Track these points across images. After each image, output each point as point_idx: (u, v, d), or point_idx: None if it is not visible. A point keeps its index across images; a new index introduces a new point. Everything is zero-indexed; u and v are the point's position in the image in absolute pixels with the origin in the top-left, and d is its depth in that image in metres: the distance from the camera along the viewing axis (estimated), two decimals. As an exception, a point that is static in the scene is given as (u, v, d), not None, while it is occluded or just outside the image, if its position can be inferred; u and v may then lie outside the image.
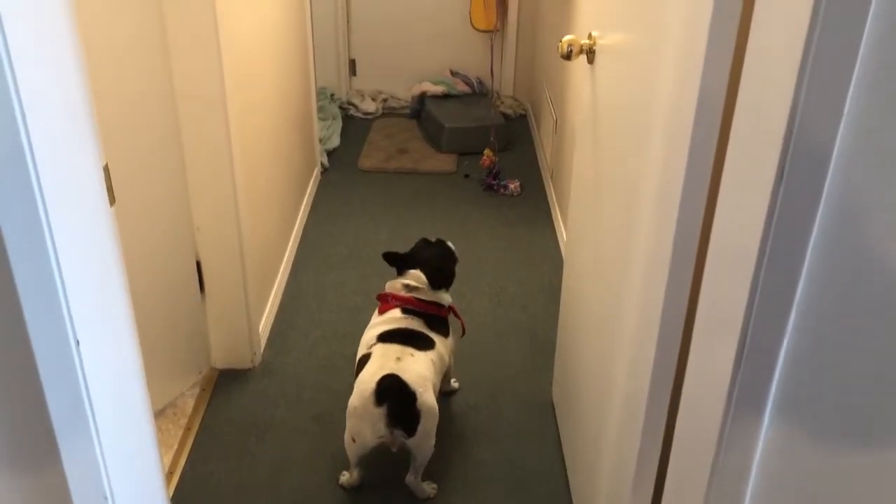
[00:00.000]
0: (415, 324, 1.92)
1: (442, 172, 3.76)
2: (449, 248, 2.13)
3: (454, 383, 2.25)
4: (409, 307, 1.95)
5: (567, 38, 1.64)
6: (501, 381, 2.34)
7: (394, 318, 1.94)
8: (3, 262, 0.84)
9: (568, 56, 1.65)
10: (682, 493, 1.11)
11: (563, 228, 3.08)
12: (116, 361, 1.02)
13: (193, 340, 2.25)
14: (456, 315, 2.05)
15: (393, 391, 1.71)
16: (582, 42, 1.65)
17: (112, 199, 1.02)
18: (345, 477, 1.92)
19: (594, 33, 1.64)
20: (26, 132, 0.81)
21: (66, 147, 0.90)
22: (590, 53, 1.65)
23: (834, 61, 0.73)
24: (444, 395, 2.20)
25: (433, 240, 2.15)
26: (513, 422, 2.18)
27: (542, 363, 2.39)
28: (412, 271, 2.00)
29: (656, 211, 1.19)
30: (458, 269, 2.15)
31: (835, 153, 0.78)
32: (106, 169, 1.00)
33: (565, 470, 2.00)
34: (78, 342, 0.90)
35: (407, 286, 1.98)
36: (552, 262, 2.97)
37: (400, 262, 2.04)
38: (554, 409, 2.20)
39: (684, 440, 1.09)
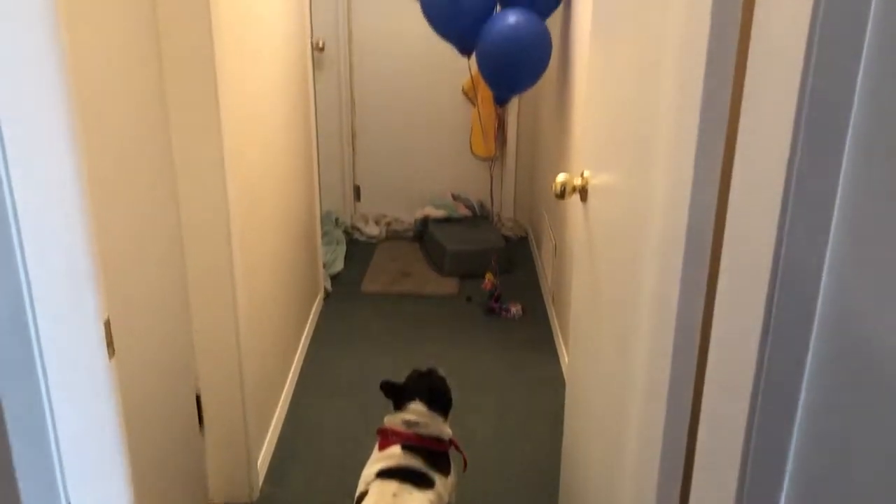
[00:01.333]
0: (415, 461, 1.88)
1: (445, 296, 3.80)
2: (441, 376, 2.11)
3: None
4: (410, 443, 1.93)
5: (560, 177, 1.70)
6: (505, 516, 2.27)
7: (393, 454, 1.90)
8: None
9: (562, 195, 1.70)
10: None
11: (565, 352, 3.07)
12: (108, 518, 1.00)
13: (191, 474, 2.21)
14: (458, 449, 2.01)
15: None
16: (575, 182, 1.71)
17: (112, 353, 1.03)
18: None
19: (586, 173, 1.71)
20: (29, 291, 0.84)
21: (67, 306, 0.92)
22: (583, 192, 1.71)
23: (818, 188, 0.76)
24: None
25: (424, 369, 2.13)
26: (518, 560, 2.10)
27: (546, 495, 2.33)
28: (411, 405, 1.98)
29: (651, 347, 1.20)
30: (460, 396, 2.13)
31: (825, 270, 0.79)
32: (107, 323, 1.02)
33: None
34: (69, 502, 0.89)
35: (406, 422, 1.96)
36: (555, 387, 2.94)
37: (397, 395, 2.02)
38: (560, 547, 2.13)
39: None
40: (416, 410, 1.96)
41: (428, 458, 1.90)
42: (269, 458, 2.49)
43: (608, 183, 1.55)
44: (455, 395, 2.09)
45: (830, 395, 0.79)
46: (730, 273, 0.92)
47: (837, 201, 0.76)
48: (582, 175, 1.71)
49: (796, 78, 0.73)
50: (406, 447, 1.91)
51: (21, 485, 0.87)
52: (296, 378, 2.97)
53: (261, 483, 2.37)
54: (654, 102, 1.20)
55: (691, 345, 1.08)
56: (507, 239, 4.34)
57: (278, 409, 2.67)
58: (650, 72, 1.23)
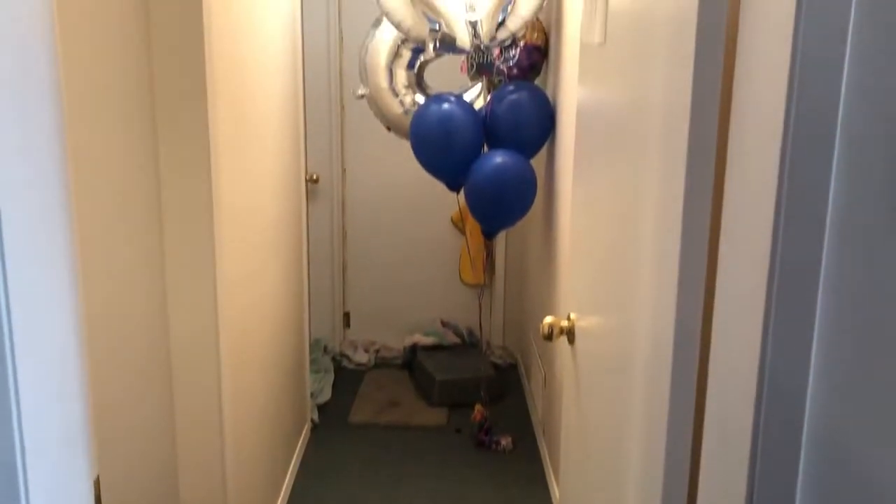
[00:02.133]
0: None
1: (433, 427, 3.75)
2: None
3: None
4: None
5: (548, 320, 1.74)
6: None
7: None
8: None
9: (549, 337, 1.74)
10: None
11: (555, 488, 3.01)
12: None
13: None
14: None
15: None
16: (562, 324, 1.75)
17: (99, 511, 1.02)
18: None
19: (573, 315, 1.75)
20: (22, 455, 0.84)
21: (60, 466, 0.92)
22: (570, 334, 1.74)
23: (797, 307, 0.78)
24: None
25: None
26: None
27: None
28: None
29: (641, 486, 1.19)
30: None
31: (810, 384, 0.81)
32: (97, 482, 1.02)
33: None
34: None
35: None
36: (547, 525, 2.87)
37: None
38: None
39: None
40: None
41: None
42: None
43: (594, 325, 1.59)
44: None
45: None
46: (716, 405, 0.94)
47: (819, 297, 0.79)
48: (569, 317, 1.75)
49: (768, 230, 0.78)
50: None
51: None
52: (280, 516, 2.88)
53: None
54: (636, 247, 1.25)
55: (681, 485, 1.08)
56: (496, 367, 4.33)
57: (261, 551, 2.58)
58: (630, 211, 1.29)
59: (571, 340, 1.75)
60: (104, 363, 1.66)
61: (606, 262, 1.50)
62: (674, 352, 1.05)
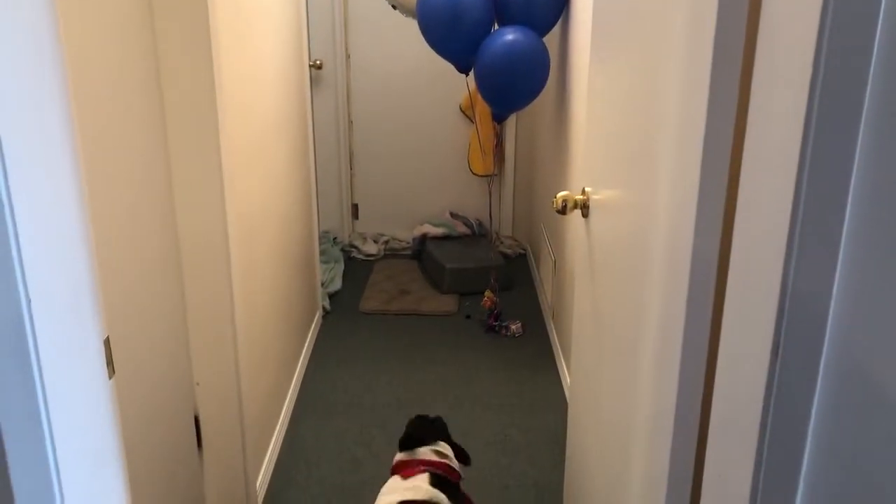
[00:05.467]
0: (441, 498, 1.72)
1: (443, 314, 3.78)
2: (444, 424, 2.01)
3: None
4: (439, 473, 1.77)
5: (561, 194, 1.69)
6: (508, 537, 2.24)
7: (419, 487, 1.73)
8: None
9: (563, 211, 1.70)
10: None
11: (566, 371, 3.05)
12: (106, 543, 0.98)
13: (189, 496, 2.18)
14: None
15: None
16: (576, 198, 1.70)
17: (112, 372, 1.01)
18: None
19: (587, 189, 1.70)
20: (28, 307, 0.82)
21: (67, 322, 0.91)
22: (584, 208, 1.70)
23: (825, 213, 0.75)
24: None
25: (432, 417, 2.02)
26: (521, 583, 2.07)
27: (549, 516, 2.30)
28: (441, 442, 1.86)
29: (657, 365, 1.18)
30: (462, 416, 2.09)
31: (832, 301, 0.78)
32: (107, 342, 1.00)
33: None
34: (67, 526, 0.87)
35: (438, 452, 1.83)
36: (557, 407, 2.92)
37: (415, 441, 1.87)
38: (564, 568, 2.10)
39: None
40: (445, 447, 1.87)
41: (452, 496, 1.77)
42: (267, 480, 2.46)
43: (610, 198, 1.54)
44: (458, 418, 2.02)
45: (841, 413, 0.77)
46: (737, 292, 0.90)
47: (847, 214, 0.75)
48: (583, 191, 1.70)
49: (804, 93, 0.72)
50: (434, 476, 1.76)
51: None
52: (294, 398, 2.94)
53: (259, 505, 2.34)
54: (658, 116, 1.19)
55: (698, 364, 1.06)
56: (505, 257, 4.33)
57: (277, 430, 2.64)
58: (653, 86, 1.23)
59: (585, 214, 1.71)
60: (112, 258, 1.63)
61: (625, 133, 1.43)
62: (695, 229, 1.01)
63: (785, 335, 0.81)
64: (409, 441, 1.86)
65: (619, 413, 1.46)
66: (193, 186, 1.95)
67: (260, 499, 2.35)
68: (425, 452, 1.84)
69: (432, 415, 2.04)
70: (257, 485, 2.32)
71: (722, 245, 1.01)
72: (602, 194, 1.61)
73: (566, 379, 3.02)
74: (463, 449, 1.93)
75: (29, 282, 0.82)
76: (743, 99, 0.92)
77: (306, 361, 3.24)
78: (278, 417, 2.69)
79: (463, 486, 1.89)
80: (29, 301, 0.81)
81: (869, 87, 0.69)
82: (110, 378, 1.01)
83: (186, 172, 1.93)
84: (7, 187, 0.79)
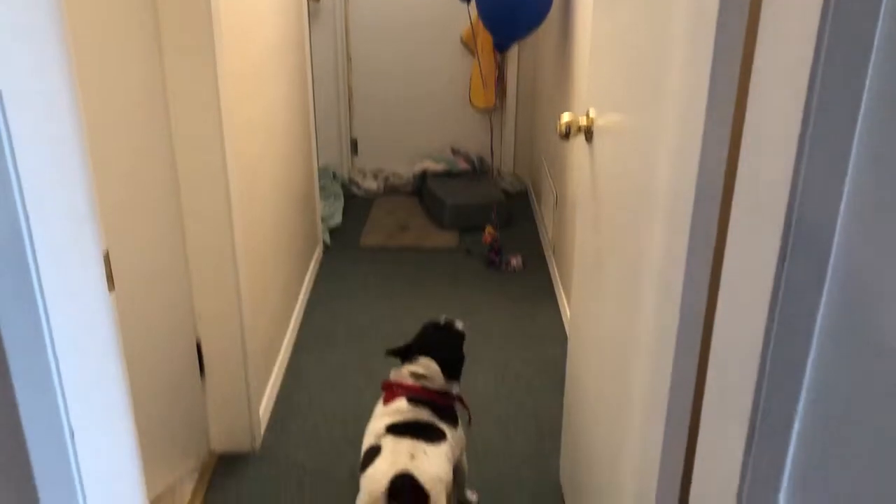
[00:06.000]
0: (423, 414, 1.83)
1: (444, 249, 3.78)
2: (460, 331, 2.04)
3: (472, 496, 2.11)
4: (416, 396, 1.86)
5: (565, 117, 1.66)
6: (507, 467, 2.28)
7: (400, 409, 1.83)
8: (-1, 352, 0.83)
9: (566, 135, 1.67)
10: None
11: (566, 305, 3.06)
12: (112, 453, 0.99)
13: (192, 423, 2.21)
14: (463, 404, 1.97)
15: (407, 492, 1.61)
16: (580, 121, 1.67)
17: (112, 286, 1.01)
18: None
19: (591, 113, 1.67)
20: (26, 219, 0.81)
21: (65, 234, 0.90)
22: (588, 133, 1.68)
23: (833, 135, 0.74)
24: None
25: (442, 321, 2.05)
26: (520, 506, 2.12)
27: (548, 446, 2.33)
28: (422, 359, 1.91)
29: (659, 290, 1.18)
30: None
31: (838, 228, 0.77)
32: (106, 256, 0.99)
33: (576, 557, 1.93)
34: (73, 433, 0.87)
35: (414, 374, 1.89)
36: (556, 339, 2.94)
37: (406, 353, 1.95)
38: (562, 495, 2.14)
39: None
40: (426, 365, 1.91)
41: (435, 411, 1.85)
42: (270, 408, 2.49)
43: (615, 123, 1.52)
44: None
45: (841, 347, 0.77)
46: (741, 222, 0.89)
47: (855, 141, 0.73)
48: (587, 115, 1.67)
49: (816, 15, 0.69)
50: (412, 400, 1.85)
51: (23, 415, 0.86)
52: (296, 330, 2.96)
53: (262, 433, 2.37)
54: (665, 39, 1.16)
55: (700, 295, 1.05)
56: (506, 193, 4.30)
57: (279, 360, 2.66)
58: (661, 6, 1.19)
59: (589, 139, 1.68)
60: (108, 186, 1.62)
61: (632, 56, 1.40)
62: (700, 159, 0.98)
63: (788, 262, 0.80)
64: (396, 352, 1.96)
65: (620, 340, 1.46)
66: (191, 116, 1.91)
67: (263, 426, 2.39)
68: (404, 376, 1.90)
69: (443, 320, 2.07)
70: (260, 412, 2.35)
71: (727, 173, 0.98)
72: (607, 118, 1.58)
73: (566, 313, 3.03)
74: (454, 362, 1.96)
75: (25, 188, 0.81)
76: (753, 15, 0.89)
77: (308, 294, 3.25)
78: (280, 348, 2.71)
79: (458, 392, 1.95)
80: (25, 207, 0.80)
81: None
82: (111, 292, 1.00)
83: (184, 102, 1.90)
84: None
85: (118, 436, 1.01)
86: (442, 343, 1.98)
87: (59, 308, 0.85)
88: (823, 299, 0.81)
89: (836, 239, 0.78)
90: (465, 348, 2.07)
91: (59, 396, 0.85)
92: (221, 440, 2.29)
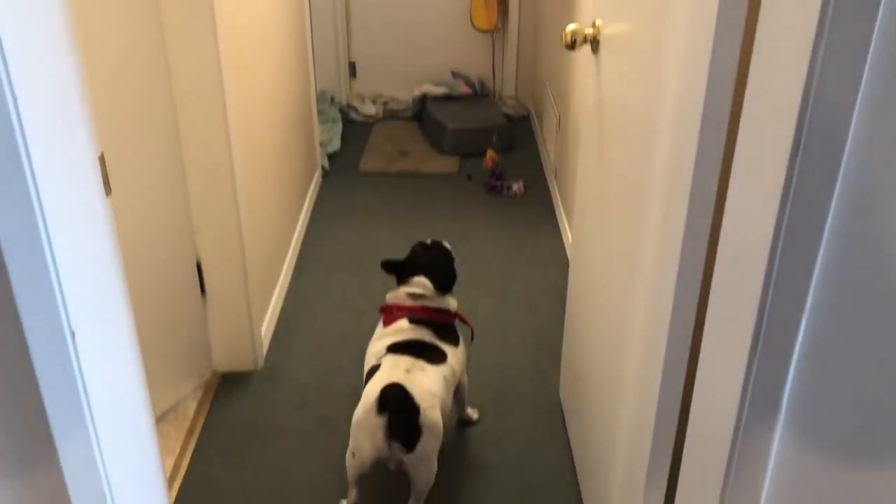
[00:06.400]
0: (425, 334, 1.83)
1: (444, 174, 3.74)
2: (447, 249, 2.04)
3: (472, 413, 2.14)
4: (416, 316, 1.87)
5: (571, 27, 1.61)
6: (508, 383, 2.30)
7: (401, 329, 1.84)
8: (-5, 252, 0.81)
9: (572, 45, 1.62)
10: (695, 496, 1.07)
11: (567, 229, 3.05)
12: (114, 354, 0.99)
13: (195, 343, 2.22)
14: (463, 321, 1.97)
15: (395, 400, 1.63)
16: (586, 31, 1.62)
17: (108, 190, 0.99)
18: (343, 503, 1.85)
19: (598, 22, 1.62)
20: (18, 117, 0.78)
21: (59, 134, 0.87)
22: (594, 43, 1.63)
23: (848, 38, 0.70)
24: (462, 424, 2.14)
25: (429, 242, 2.05)
26: (520, 424, 2.15)
27: (548, 364, 2.35)
28: (416, 278, 1.91)
29: (665, 208, 1.15)
30: (462, 271, 2.09)
31: (851, 132, 0.75)
32: (101, 158, 0.97)
33: (575, 473, 1.96)
34: (73, 333, 0.86)
35: (412, 294, 1.89)
36: (557, 263, 2.93)
37: (400, 270, 1.95)
38: (562, 411, 2.17)
39: (697, 444, 1.06)
40: (420, 283, 1.91)
41: (436, 331, 1.86)
42: (272, 329, 2.50)
43: (622, 32, 1.47)
44: (458, 271, 2.04)
45: (848, 255, 0.75)
46: (749, 135, 0.86)
47: (871, 48, 0.70)
48: (594, 24, 1.62)
49: None
50: (413, 320, 1.86)
51: (24, 317, 0.85)
52: (296, 253, 2.95)
53: (265, 352, 2.39)
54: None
55: (705, 212, 1.03)
56: (508, 117, 4.23)
57: (280, 282, 2.66)
58: None
59: (595, 49, 1.63)
60: (103, 98, 1.57)
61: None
62: (709, 69, 0.94)
63: (797, 176, 0.78)
64: (387, 266, 1.97)
65: (623, 260, 1.45)
66: (185, 24, 1.85)
67: (265, 345, 2.41)
68: (401, 297, 1.90)
69: (430, 241, 2.06)
70: (262, 331, 2.36)
71: (736, 86, 0.94)
72: (614, 27, 1.53)
73: (567, 237, 3.02)
74: (446, 280, 1.96)
75: (17, 89, 0.77)
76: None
77: (307, 218, 3.23)
78: (281, 269, 2.71)
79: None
80: (15, 99, 0.77)
81: None
82: (107, 196, 0.98)
83: (177, 10, 1.84)
84: None
85: (120, 337, 1.00)
86: (433, 262, 1.97)
87: (54, 206, 0.83)
88: (835, 200, 0.79)
89: (850, 137, 0.75)
90: (466, 270, 2.06)
91: (58, 294, 0.84)
92: (224, 359, 2.30)
